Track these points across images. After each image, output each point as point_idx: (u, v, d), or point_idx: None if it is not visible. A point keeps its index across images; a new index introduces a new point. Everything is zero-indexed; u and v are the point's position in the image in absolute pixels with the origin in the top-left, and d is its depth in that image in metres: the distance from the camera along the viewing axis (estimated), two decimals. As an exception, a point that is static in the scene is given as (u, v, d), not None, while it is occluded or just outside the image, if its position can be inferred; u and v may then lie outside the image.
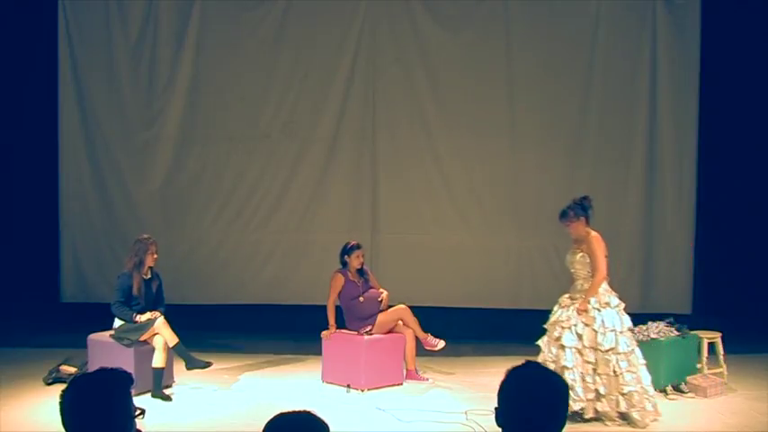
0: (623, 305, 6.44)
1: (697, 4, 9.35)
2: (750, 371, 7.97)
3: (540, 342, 6.55)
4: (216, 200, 9.74)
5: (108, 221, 9.73)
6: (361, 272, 7.68)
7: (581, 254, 6.45)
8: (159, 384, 6.96)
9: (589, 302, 6.28)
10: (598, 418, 6.21)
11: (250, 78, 9.66)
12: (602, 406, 6.17)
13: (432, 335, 7.63)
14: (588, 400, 6.17)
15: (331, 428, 2.37)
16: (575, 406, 6.13)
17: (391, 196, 9.58)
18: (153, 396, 6.88)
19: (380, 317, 7.54)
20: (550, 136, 9.51)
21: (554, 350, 6.36)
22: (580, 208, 6.55)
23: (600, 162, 9.49)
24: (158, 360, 6.98)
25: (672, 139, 9.45)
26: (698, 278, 9.43)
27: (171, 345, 7.07)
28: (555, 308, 6.57)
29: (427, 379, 7.65)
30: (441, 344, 7.62)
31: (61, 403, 2.51)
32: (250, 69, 9.66)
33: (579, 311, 6.27)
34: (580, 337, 6.23)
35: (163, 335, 7.05)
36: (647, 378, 6.31)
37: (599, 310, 6.26)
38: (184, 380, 7.41)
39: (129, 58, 9.68)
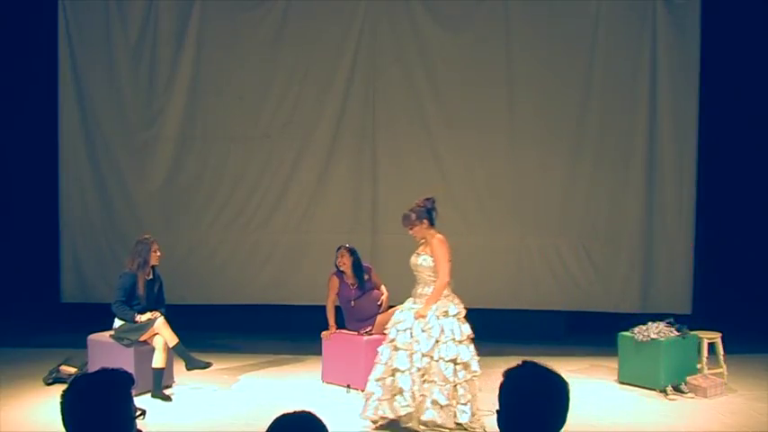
0: (464, 312, 6.22)
1: (697, 4, 9.34)
2: (750, 371, 7.98)
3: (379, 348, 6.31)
4: (216, 200, 9.73)
5: (108, 221, 9.73)
6: (359, 272, 7.66)
7: (424, 256, 6.29)
8: (159, 385, 6.96)
9: (430, 309, 6.08)
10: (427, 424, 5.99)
11: (250, 78, 9.65)
12: (441, 418, 5.92)
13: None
14: (416, 407, 5.94)
15: (331, 428, 2.37)
16: (401, 411, 5.95)
17: (391, 196, 9.56)
18: (153, 396, 6.89)
19: (380, 317, 7.54)
20: (550, 136, 9.51)
21: (388, 351, 6.14)
22: (423, 210, 6.34)
23: (600, 162, 9.49)
24: (158, 360, 6.99)
25: (672, 139, 9.45)
26: (698, 278, 9.43)
27: (171, 345, 7.07)
28: (397, 310, 6.42)
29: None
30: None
31: (62, 404, 2.52)
32: (250, 69, 9.65)
33: (417, 317, 6.08)
34: (416, 341, 6.02)
35: (163, 335, 7.05)
36: (475, 389, 6.12)
37: (438, 318, 6.05)
38: (184, 380, 7.41)
39: (129, 58, 9.67)
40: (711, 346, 7.55)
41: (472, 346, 6.19)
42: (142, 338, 7.08)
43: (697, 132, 9.44)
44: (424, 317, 6.07)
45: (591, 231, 9.55)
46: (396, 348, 6.07)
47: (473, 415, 6.01)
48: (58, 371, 7.42)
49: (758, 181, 9.77)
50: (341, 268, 7.64)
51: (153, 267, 7.33)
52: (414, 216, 6.33)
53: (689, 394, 7.15)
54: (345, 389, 7.29)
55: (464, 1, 9.56)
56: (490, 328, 9.41)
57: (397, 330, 6.14)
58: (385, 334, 7.49)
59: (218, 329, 9.33)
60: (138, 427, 2.61)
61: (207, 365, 7.26)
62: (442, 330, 6.02)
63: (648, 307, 9.23)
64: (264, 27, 9.65)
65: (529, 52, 9.48)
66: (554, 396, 2.45)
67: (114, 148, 9.74)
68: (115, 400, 2.53)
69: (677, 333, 7.35)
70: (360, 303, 7.58)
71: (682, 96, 9.40)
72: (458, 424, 5.98)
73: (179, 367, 7.34)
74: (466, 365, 6.05)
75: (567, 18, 9.46)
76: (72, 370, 7.33)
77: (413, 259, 6.38)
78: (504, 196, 9.58)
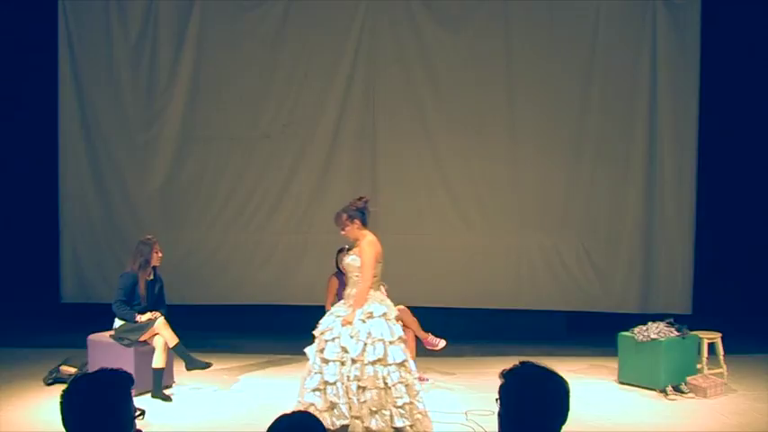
0: (395, 312, 6.07)
1: (697, 4, 9.34)
2: (750, 371, 7.98)
3: (307, 350, 6.11)
4: (216, 200, 9.73)
5: (108, 221, 9.73)
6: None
7: (353, 256, 6.10)
8: (159, 385, 6.96)
9: (355, 314, 5.89)
10: None
11: (250, 78, 9.66)
12: (377, 423, 5.73)
13: (432, 334, 7.63)
14: (353, 417, 5.74)
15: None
16: (337, 422, 5.76)
17: (391, 196, 9.57)
18: (153, 396, 6.89)
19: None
20: (550, 136, 9.51)
21: (318, 362, 5.94)
22: (355, 210, 6.15)
23: (600, 162, 9.49)
24: (158, 360, 6.99)
25: (672, 138, 9.45)
26: (698, 278, 9.43)
27: (171, 345, 7.07)
28: (327, 315, 6.22)
29: (427, 379, 7.64)
30: (442, 343, 7.62)
31: (62, 404, 2.52)
32: (250, 69, 9.65)
33: (344, 323, 5.92)
34: (344, 349, 5.82)
35: (163, 335, 7.05)
36: (419, 390, 6.00)
37: (364, 321, 5.87)
38: (184, 380, 7.41)
39: (129, 58, 9.67)
40: (711, 346, 7.55)
41: (403, 346, 5.99)
42: (142, 338, 7.09)
43: (697, 132, 9.44)
44: (350, 323, 5.89)
45: (591, 231, 9.55)
46: (325, 361, 5.88)
47: (412, 418, 5.82)
48: (58, 371, 7.41)
49: (758, 181, 9.77)
50: (342, 270, 7.61)
51: (154, 268, 7.33)
52: (345, 216, 6.15)
53: (689, 394, 7.15)
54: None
55: (464, 1, 9.55)
56: (490, 328, 9.47)
57: (326, 340, 5.94)
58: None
59: (219, 329, 9.33)
60: (138, 427, 2.62)
61: (207, 366, 7.26)
62: (369, 333, 5.84)
63: (648, 307, 9.23)
64: (264, 27, 9.65)
65: (529, 52, 9.49)
66: (553, 396, 2.45)
67: (114, 148, 9.74)
68: (115, 400, 2.54)
69: (677, 333, 7.35)
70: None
71: (682, 96, 9.40)
72: (396, 429, 5.78)
73: (179, 367, 7.34)
74: (400, 366, 5.84)
75: (567, 18, 9.46)
76: (72, 370, 7.32)
77: (345, 259, 6.23)
78: (503, 196, 9.58)
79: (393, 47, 9.60)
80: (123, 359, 6.70)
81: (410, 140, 9.59)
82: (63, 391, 2.55)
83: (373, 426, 5.74)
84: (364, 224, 6.15)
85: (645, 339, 7.29)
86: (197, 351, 7.43)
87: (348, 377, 5.78)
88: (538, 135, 9.51)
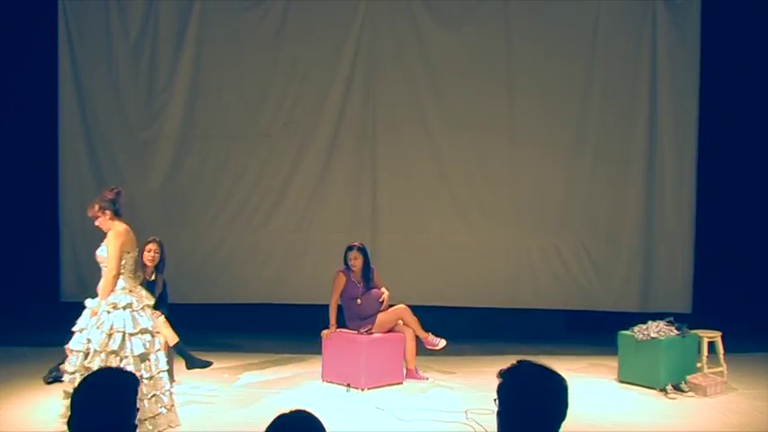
0: (142, 304, 6.00)
1: (697, 4, 9.36)
2: (750, 370, 7.97)
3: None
4: (216, 199, 9.74)
5: (108, 221, 9.71)
6: (366, 272, 7.67)
7: (103, 247, 6.06)
8: (159, 384, 6.96)
9: (101, 305, 5.91)
10: None
11: (250, 78, 9.66)
12: None
13: (432, 334, 7.64)
14: None
15: (331, 428, 2.38)
16: (68, 412, 5.77)
17: (391, 195, 9.58)
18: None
19: (380, 316, 7.55)
20: (550, 135, 9.52)
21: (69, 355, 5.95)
22: (107, 201, 6.12)
23: (600, 161, 9.50)
24: (158, 359, 6.98)
25: (672, 138, 9.46)
26: (698, 277, 9.44)
27: (171, 344, 7.08)
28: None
29: (427, 378, 7.65)
30: (442, 343, 7.63)
31: (72, 401, 2.55)
32: (250, 69, 9.66)
33: (92, 315, 5.91)
34: (89, 340, 5.81)
35: (163, 334, 7.04)
36: (166, 384, 5.96)
37: (109, 312, 5.86)
38: (184, 379, 7.41)
39: (129, 57, 9.68)
40: (711, 345, 7.55)
41: (149, 337, 5.95)
42: (142, 338, 7.08)
43: (697, 132, 9.45)
44: (96, 314, 5.91)
45: (591, 230, 9.56)
46: (71, 351, 5.91)
47: (152, 411, 5.77)
48: (58, 369, 7.39)
49: (758, 181, 9.78)
50: (352, 267, 7.62)
51: (157, 269, 7.34)
52: (97, 207, 6.12)
53: (689, 393, 7.15)
54: (345, 388, 7.29)
55: (464, 0, 9.56)
56: (490, 327, 9.47)
57: (74, 331, 5.97)
58: (385, 333, 7.56)
59: (219, 328, 9.33)
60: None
61: (207, 364, 7.26)
62: (112, 324, 5.84)
63: (648, 306, 9.24)
64: (264, 27, 9.65)
65: (529, 52, 9.50)
66: (552, 394, 2.45)
67: (114, 148, 9.75)
68: (123, 400, 2.57)
69: (677, 332, 7.35)
70: (364, 300, 7.58)
71: (682, 96, 9.41)
72: None
73: (179, 366, 7.35)
74: (138, 359, 5.82)
75: (566, 18, 9.47)
76: (72, 369, 7.32)
77: (96, 251, 6.18)
78: (503, 195, 9.59)
79: (393, 47, 9.60)
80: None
81: (410, 140, 9.59)
82: (74, 389, 2.57)
83: None
84: (116, 215, 6.14)
85: (645, 338, 7.29)
86: (197, 350, 7.44)
87: (91, 368, 5.71)
88: (538, 135, 9.52)
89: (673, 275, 9.47)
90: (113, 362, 5.72)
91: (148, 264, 7.30)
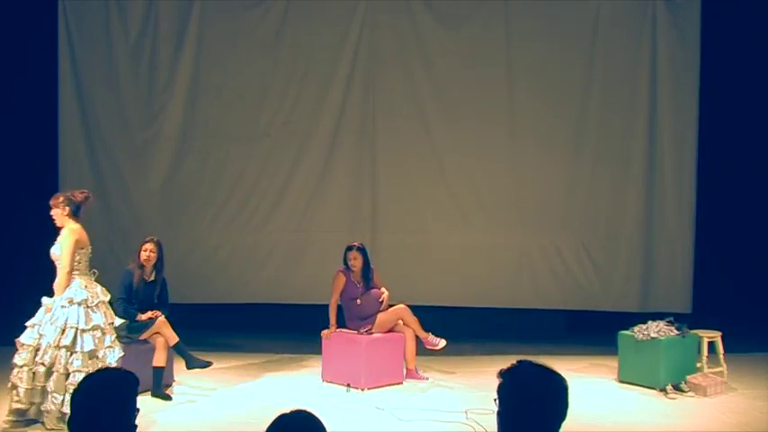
0: (97, 300, 6.14)
1: (697, 4, 9.36)
2: (750, 370, 7.98)
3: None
4: (216, 199, 9.73)
5: (108, 221, 9.72)
6: (365, 272, 7.67)
7: (57, 244, 6.20)
8: (159, 384, 6.96)
9: (55, 301, 6.02)
10: (38, 420, 5.92)
11: (250, 78, 9.66)
12: (47, 405, 5.84)
13: (432, 334, 7.64)
14: (32, 402, 5.90)
15: (331, 428, 2.38)
16: (13, 405, 5.90)
17: (391, 195, 9.58)
18: (153, 395, 6.88)
19: (380, 316, 7.55)
20: (550, 134, 9.52)
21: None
22: (73, 200, 6.26)
23: (600, 161, 9.50)
24: (158, 359, 6.98)
25: (672, 138, 9.46)
26: (698, 277, 9.44)
27: (171, 344, 7.08)
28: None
29: (427, 378, 7.66)
30: (442, 343, 7.63)
31: (72, 400, 2.55)
32: (250, 69, 9.65)
33: (47, 311, 6.01)
34: (41, 335, 5.95)
35: (163, 334, 7.05)
36: None
37: (64, 308, 6.00)
38: (184, 379, 7.41)
39: (129, 57, 9.67)
40: (711, 345, 7.56)
41: (99, 334, 6.05)
42: (142, 337, 7.09)
43: (697, 131, 9.45)
44: (49, 311, 6.02)
45: (591, 230, 9.56)
46: (21, 345, 6.02)
47: None
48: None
49: (758, 180, 9.77)
50: (352, 267, 7.62)
51: (157, 269, 7.34)
52: (62, 198, 6.26)
53: (689, 393, 7.15)
54: (345, 388, 7.29)
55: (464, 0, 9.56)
56: (490, 327, 9.47)
57: (26, 326, 6.07)
58: (385, 333, 7.56)
59: (219, 328, 9.33)
60: (135, 422, 2.64)
61: (207, 365, 7.26)
62: (66, 320, 5.96)
63: (648, 306, 9.24)
64: (264, 27, 9.65)
65: (529, 51, 9.49)
66: (552, 394, 2.45)
67: (114, 148, 9.74)
68: (123, 399, 2.57)
69: (677, 332, 7.35)
70: (364, 300, 7.58)
71: (682, 96, 9.41)
72: (64, 413, 5.74)
73: (179, 366, 7.34)
74: (86, 355, 5.93)
75: (567, 17, 9.47)
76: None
77: (51, 249, 6.27)
78: (504, 195, 9.59)
79: (393, 46, 9.60)
80: (123, 358, 6.69)
81: (410, 139, 9.59)
82: (73, 389, 2.57)
83: (43, 407, 5.87)
84: (74, 215, 6.27)
85: (645, 338, 7.29)
86: (197, 350, 7.43)
87: (43, 363, 5.89)
88: (538, 134, 9.52)
89: (673, 275, 9.47)
90: (64, 357, 5.88)
91: (146, 263, 7.29)
